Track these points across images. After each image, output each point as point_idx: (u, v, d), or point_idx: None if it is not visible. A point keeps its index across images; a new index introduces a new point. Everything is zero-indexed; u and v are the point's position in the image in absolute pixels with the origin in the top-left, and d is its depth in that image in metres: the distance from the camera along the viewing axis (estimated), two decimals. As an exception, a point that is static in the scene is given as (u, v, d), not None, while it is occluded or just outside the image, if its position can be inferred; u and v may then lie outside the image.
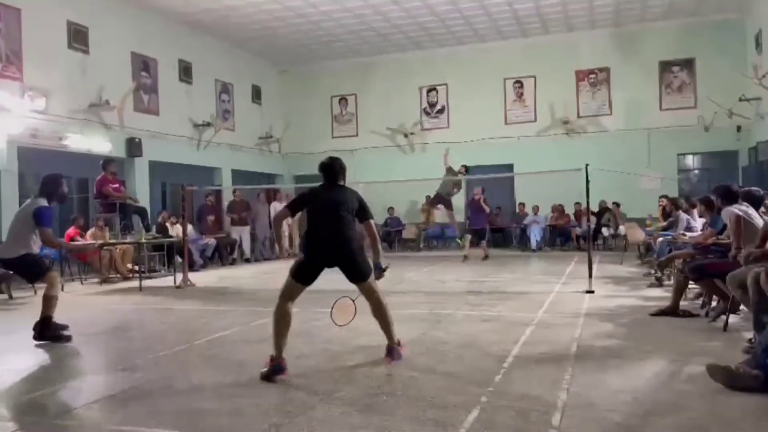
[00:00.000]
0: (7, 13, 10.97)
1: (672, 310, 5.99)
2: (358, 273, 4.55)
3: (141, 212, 10.39)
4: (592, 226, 14.01)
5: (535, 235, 15.40)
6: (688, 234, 7.29)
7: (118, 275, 10.83)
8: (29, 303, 8.51)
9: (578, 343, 4.98)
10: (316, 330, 5.93)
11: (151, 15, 14.21)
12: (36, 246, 5.93)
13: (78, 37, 12.36)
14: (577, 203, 15.01)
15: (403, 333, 5.60)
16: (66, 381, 4.45)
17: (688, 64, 16.47)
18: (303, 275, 4.51)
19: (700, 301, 6.46)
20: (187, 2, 13.82)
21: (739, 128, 15.67)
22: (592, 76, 17.20)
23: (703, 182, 16.70)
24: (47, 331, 5.64)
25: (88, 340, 5.97)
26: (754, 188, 5.92)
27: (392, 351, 4.66)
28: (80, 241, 10.28)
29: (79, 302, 8.71)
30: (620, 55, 16.76)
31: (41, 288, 9.53)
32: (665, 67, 16.66)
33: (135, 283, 9.89)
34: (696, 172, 17.24)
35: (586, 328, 5.59)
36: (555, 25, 16.45)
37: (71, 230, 10.72)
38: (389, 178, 15.72)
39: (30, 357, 5.37)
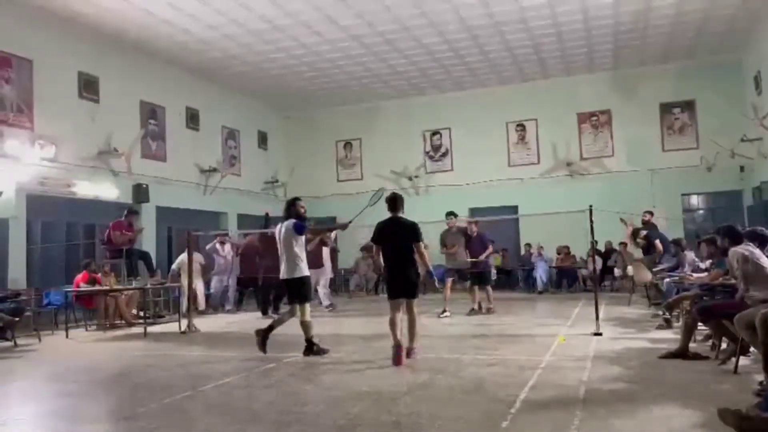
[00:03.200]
0: (19, 65, 11.28)
1: (681, 353, 5.91)
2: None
3: (145, 257, 10.42)
4: (598, 267, 13.94)
5: (541, 277, 15.32)
6: (695, 274, 7.24)
7: (123, 321, 10.79)
8: (33, 350, 8.48)
9: (586, 387, 4.92)
10: (320, 377, 5.87)
11: (159, 64, 14.57)
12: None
13: (89, 86, 12.65)
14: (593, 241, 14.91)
15: (410, 378, 5.56)
16: (66, 428, 4.39)
17: (688, 106, 16.65)
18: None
19: (709, 343, 6.38)
20: (195, 52, 14.17)
21: (742, 168, 15.72)
22: (594, 118, 17.40)
23: (708, 222, 16.68)
24: (311, 350, 6.94)
25: (90, 387, 5.93)
26: (758, 228, 5.91)
27: (411, 351, 6.50)
28: (86, 287, 10.33)
29: (83, 349, 8.68)
30: (621, 98, 16.98)
31: (46, 335, 9.56)
32: (666, 108, 16.85)
33: (140, 330, 9.84)
34: (701, 211, 17.22)
35: (594, 371, 5.52)
36: (555, 70, 16.74)
37: (81, 276, 10.75)
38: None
39: (32, 405, 5.33)
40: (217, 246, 13.13)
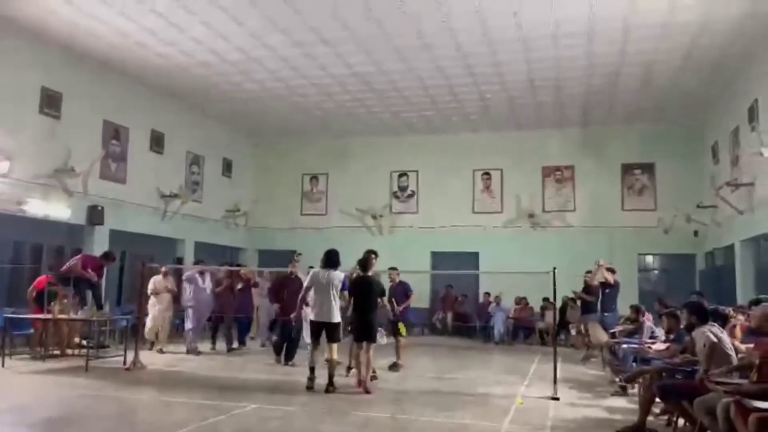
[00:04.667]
0: (-21, 75, 10.83)
1: (638, 428, 5.88)
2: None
3: (95, 289, 9.96)
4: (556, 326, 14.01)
5: (498, 327, 15.29)
6: (654, 347, 7.28)
7: (60, 351, 10.22)
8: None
9: (546, 465, 4.80)
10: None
11: (127, 84, 14.21)
12: None
13: (51, 102, 12.21)
14: (545, 298, 15.01)
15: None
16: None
17: (648, 168, 17.14)
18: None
19: (665, 418, 6.37)
20: (165, 75, 13.92)
21: (696, 233, 16.17)
22: (558, 172, 17.74)
23: (662, 282, 17.07)
24: (331, 386, 7.70)
25: (24, 434, 5.52)
26: (720, 307, 6.00)
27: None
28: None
29: (18, 382, 8.16)
30: (585, 155, 17.37)
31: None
32: (627, 169, 17.30)
33: (81, 362, 9.32)
34: (655, 272, 17.60)
35: (554, 446, 5.42)
36: (524, 122, 17.05)
37: (42, 278, 10.52)
38: (354, 259, 15.61)
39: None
40: (197, 277, 11.85)
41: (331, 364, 7.90)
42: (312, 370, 8.00)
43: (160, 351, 11.30)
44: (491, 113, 16.39)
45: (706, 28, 11.01)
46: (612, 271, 11.94)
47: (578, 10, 10.50)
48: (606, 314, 11.43)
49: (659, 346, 7.26)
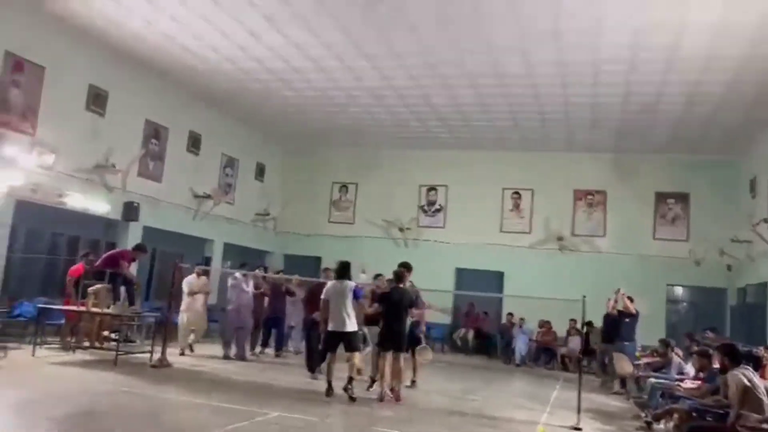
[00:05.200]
0: (31, 70, 11.18)
1: (664, 468, 5.80)
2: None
3: (129, 286, 10.16)
4: (578, 348, 13.88)
5: (520, 349, 15.18)
6: (683, 385, 7.18)
7: (89, 343, 10.42)
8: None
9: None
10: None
11: (169, 86, 14.54)
12: None
13: (97, 100, 12.56)
14: (572, 319, 14.85)
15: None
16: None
17: (682, 198, 16.90)
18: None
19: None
20: (208, 79, 14.17)
21: (729, 267, 15.87)
22: (590, 196, 17.59)
23: (691, 315, 16.77)
24: (349, 386, 8.02)
25: (55, 427, 5.65)
26: (754, 349, 5.90)
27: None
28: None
29: (50, 372, 8.36)
30: (618, 181, 17.20)
31: (12, 349, 9.23)
32: (661, 197, 17.09)
33: (109, 355, 9.52)
34: (684, 304, 17.30)
35: (577, 479, 5.37)
36: (557, 144, 16.97)
37: (77, 267, 10.71)
38: (380, 270, 15.62)
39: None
40: (240, 278, 11.65)
41: (352, 366, 8.23)
42: (329, 382, 8.17)
43: (190, 349, 11.39)
44: (524, 133, 16.35)
45: (749, 63, 10.88)
46: (630, 299, 11.85)
47: (621, 38, 10.47)
48: (626, 343, 11.34)
49: (689, 384, 7.15)
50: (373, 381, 8.96)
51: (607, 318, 11.79)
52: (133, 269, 10.96)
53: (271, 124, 17.61)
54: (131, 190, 13.45)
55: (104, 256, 10.34)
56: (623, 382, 11.31)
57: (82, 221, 12.71)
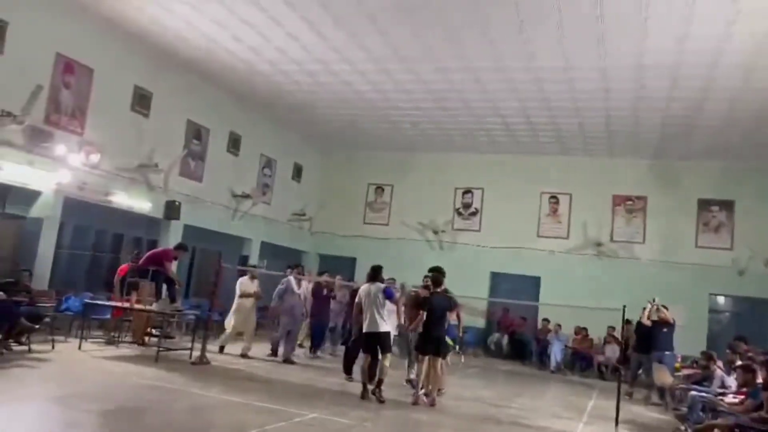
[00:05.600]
0: (81, 71, 11.54)
1: (705, 484, 5.68)
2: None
3: (170, 284, 10.40)
4: (616, 356, 13.66)
5: (555, 355, 15.01)
6: (726, 400, 7.02)
7: (134, 338, 10.73)
8: (46, 360, 8.46)
9: None
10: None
11: (211, 87, 14.83)
12: None
13: (142, 101, 12.90)
14: (611, 326, 14.57)
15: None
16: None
17: (727, 206, 16.47)
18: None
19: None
20: (247, 81, 14.39)
21: (774, 277, 15.42)
22: (629, 202, 17.28)
23: (733, 325, 16.30)
24: (379, 389, 8.23)
25: (99, 421, 5.84)
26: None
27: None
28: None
29: (95, 366, 8.63)
30: (659, 187, 16.87)
31: (60, 342, 9.55)
32: (704, 204, 16.68)
33: (151, 351, 9.77)
34: (727, 314, 16.85)
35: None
36: (596, 148, 16.73)
37: (125, 266, 10.96)
38: (414, 272, 15.62)
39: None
40: (293, 281, 11.51)
41: (383, 371, 8.34)
42: (365, 384, 8.33)
43: (245, 356, 10.95)
44: (563, 137, 16.17)
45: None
46: (665, 308, 11.60)
47: (665, 42, 10.28)
48: (666, 353, 11.12)
49: (732, 399, 6.99)
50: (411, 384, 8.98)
51: (641, 327, 11.53)
52: (174, 267, 11.20)
53: (309, 125, 17.78)
54: (173, 189, 13.76)
55: (147, 254, 10.61)
56: (662, 392, 11.10)
57: (126, 219, 13.07)
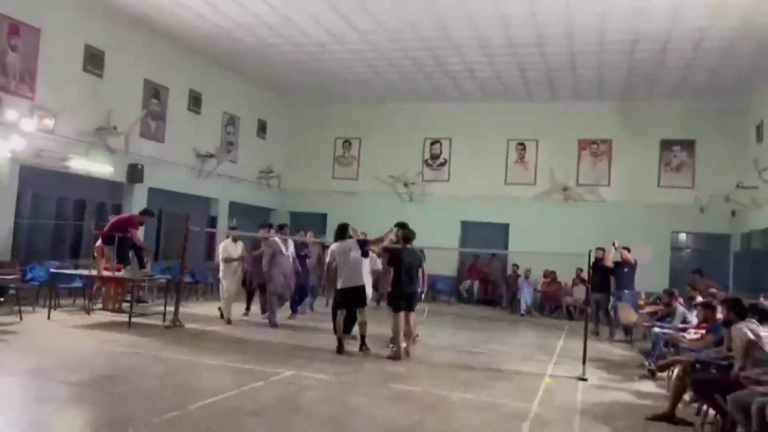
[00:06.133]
0: (27, 33, 11.00)
1: (668, 417, 5.96)
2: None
3: (137, 248, 10.23)
4: (583, 298, 14.04)
5: (525, 299, 15.38)
6: (687, 336, 7.30)
7: (112, 306, 10.48)
8: (14, 332, 8.33)
9: (577, 452, 4.93)
10: (308, 406, 5.82)
11: (168, 45, 14.31)
12: None
13: (94, 60, 12.39)
14: (579, 269, 14.87)
15: (400, 417, 5.55)
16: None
17: (688, 145, 16.78)
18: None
19: (695, 406, 6.43)
20: (206, 37, 13.93)
21: (733, 213, 15.92)
22: (594, 146, 17.47)
23: (694, 261, 16.85)
24: (364, 345, 8.47)
25: (74, 391, 5.82)
26: (760, 302, 5.97)
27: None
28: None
29: (65, 336, 8.54)
30: (623, 129, 17.06)
31: (27, 313, 9.40)
32: (666, 145, 16.96)
33: (122, 317, 9.70)
34: (688, 250, 17.40)
35: (584, 431, 5.53)
36: (563, 93, 16.75)
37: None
38: (386, 225, 15.67)
39: (9, 411, 5.22)
40: (280, 243, 10.77)
41: (363, 324, 8.46)
42: (341, 339, 8.50)
43: (229, 321, 10.54)
44: (529, 83, 16.12)
45: (755, 10, 10.64)
46: (627, 250, 11.98)
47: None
48: (625, 292, 11.70)
49: (693, 335, 7.28)
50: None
51: (597, 268, 11.75)
52: (141, 233, 11.00)
53: (272, 80, 17.38)
54: (134, 151, 13.41)
55: (112, 221, 10.38)
56: (625, 329, 11.54)
57: (88, 185, 12.75)
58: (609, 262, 11.91)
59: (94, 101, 12.41)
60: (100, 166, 12.63)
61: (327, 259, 8.86)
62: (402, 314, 8.45)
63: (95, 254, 10.12)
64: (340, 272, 8.50)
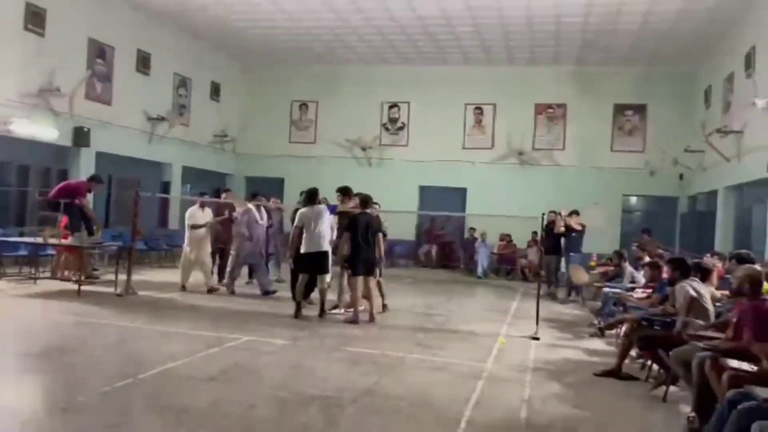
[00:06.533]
0: (-42, -13, 10.33)
1: (615, 373, 6.18)
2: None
3: (85, 215, 9.91)
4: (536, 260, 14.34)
5: (482, 262, 15.63)
6: (634, 296, 7.55)
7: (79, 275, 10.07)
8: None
9: (528, 407, 5.08)
10: (264, 370, 5.81)
11: (113, 1, 13.68)
12: None
13: (35, 18, 11.75)
14: (534, 232, 15.12)
15: (356, 379, 5.60)
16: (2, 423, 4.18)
17: (640, 110, 17.13)
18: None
19: (640, 362, 6.69)
20: (154, -7, 13.37)
21: (681, 176, 16.42)
22: (550, 110, 17.65)
23: (644, 223, 17.35)
24: (323, 312, 8.55)
25: (23, 363, 5.66)
26: (703, 261, 6.19)
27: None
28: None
29: (12, 306, 8.28)
30: (578, 94, 17.26)
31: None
32: (619, 109, 17.27)
33: (72, 285, 9.44)
34: (638, 213, 17.91)
35: (535, 387, 5.70)
36: (520, 57, 16.78)
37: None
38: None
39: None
40: (253, 210, 10.43)
41: (323, 291, 8.55)
42: (299, 303, 8.53)
43: (211, 290, 10.22)
44: (486, 47, 16.08)
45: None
46: (577, 213, 12.28)
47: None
48: (571, 254, 12.02)
49: (640, 294, 7.53)
50: (335, 307, 9.02)
51: (549, 231, 12.01)
52: (90, 200, 10.66)
53: (225, 40, 16.87)
54: (80, 114, 12.89)
55: (58, 186, 10.02)
56: (576, 289, 11.88)
57: (31, 149, 12.26)
58: (559, 229, 12.15)
59: (36, 61, 11.81)
60: (44, 130, 12.12)
61: (295, 223, 8.69)
62: (361, 278, 8.47)
63: (59, 225, 9.71)
64: (306, 237, 8.48)
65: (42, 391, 4.99)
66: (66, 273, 9.90)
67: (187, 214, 10.57)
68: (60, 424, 4.14)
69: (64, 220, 9.72)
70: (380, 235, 8.88)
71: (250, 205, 10.56)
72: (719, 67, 14.29)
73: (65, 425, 4.12)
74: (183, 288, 10.32)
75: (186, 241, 10.46)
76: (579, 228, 12.25)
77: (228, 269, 10.61)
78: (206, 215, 10.59)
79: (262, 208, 10.83)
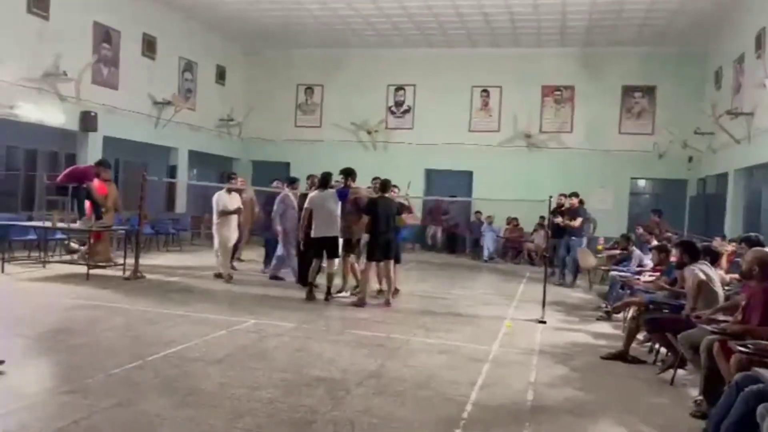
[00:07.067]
0: (-38, -30, 10.29)
1: (622, 356, 6.17)
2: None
3: (93, 199, 9.91)
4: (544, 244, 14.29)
5: (488, 246, 15.61)
6: (642, 279, 7.51)
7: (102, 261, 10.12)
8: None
9: (534, 390, 5.08)
10: (271, 353, 5.83)
11: (117, -16, 13.62)
12: None
13: (38, 2, 11.70)
14: (541, 216, 15.01)
15: (362, 361, 5.62)
16: (6, 405, 4.21)
17: (649, 91, 16.93)
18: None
19: (648, 345, 6.68)
20: (158, -24, 13.28)
21: (690, 159, 16.26)
22: (558, 92, 17.48)
23: (652, 206, 17.21)
24: (329, 295, 8.57)
25: (30, 346, 5.71)
26: (712, 245, 6.14)
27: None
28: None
29: (21, 289, 8.34)
30: (586, 75, 17.07)
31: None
32: (628, 91, 17.09)
33: (80, 269, 9.50)
34: (647, 196, 17.79)
35: (541, 370, 5.70)
36: (526, 39, 16.59)
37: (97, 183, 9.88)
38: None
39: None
40: (291, 197, 10.09)
41: (330, 276, 8.61)
42: (311, 285, 8.62)
43: (229, 277, 10.00)
44: (493, 29, 15.90)
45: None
46: (576, 195, 12.13)
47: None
48: (573, 239, 11.79)
49: (647, 277, 7.49)
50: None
51: (556, 214, 11.92)
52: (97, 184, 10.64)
53: (230, 24, 16.76)
54: (87, 98, 12.90)
55: (66, 171, 10.02)
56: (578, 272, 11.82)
57: (39, 133, 12.27)
58: (563, 223, 11.98)
59: (41, 45, 11.79)
60: (51, 114, 12.15)
61: (305, 206, 8.73)
62: (374, 264, 8.52)
63: (86, 213, 9.68)
64: (316, 220, 8.53)
65: (50, 373, 5.03)
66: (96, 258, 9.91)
67: (214, 200, 10.13)
68: (68, 406, 4.17)
69: (89, 206, 9.69)
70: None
71: (288, 192, 10.21)
72: (730, 48, 14.07)
73: (73, 406, 4.14)
74: (230, 278, 9.96)
75: (214, 227, 10.10)
76: (576, 227, 11.99)
77: (278, 255, 10.29)
78: (234, 200, 10.21)
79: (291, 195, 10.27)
